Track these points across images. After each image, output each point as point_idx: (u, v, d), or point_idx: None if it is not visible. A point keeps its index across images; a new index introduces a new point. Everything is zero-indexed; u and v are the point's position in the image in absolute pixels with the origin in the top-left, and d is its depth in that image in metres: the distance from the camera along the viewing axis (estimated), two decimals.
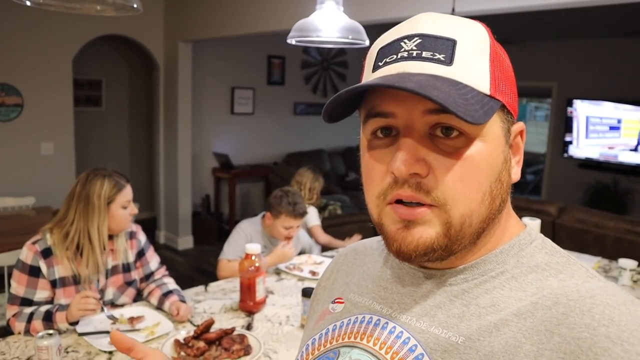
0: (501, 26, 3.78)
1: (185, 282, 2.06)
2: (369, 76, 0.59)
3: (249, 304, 1.98)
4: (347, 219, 4.88)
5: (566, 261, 0.58)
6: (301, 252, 2.84)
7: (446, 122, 0.54)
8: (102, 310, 1.85)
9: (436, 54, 0.55)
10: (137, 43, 5.05)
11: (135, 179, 5.91)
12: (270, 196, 2.66)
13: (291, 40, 1.89)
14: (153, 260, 2.12)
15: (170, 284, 2.08)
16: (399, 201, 0.56)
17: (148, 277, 2.09)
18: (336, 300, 0.71)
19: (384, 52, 0.58)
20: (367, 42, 1.88)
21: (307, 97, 6.94)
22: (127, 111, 6.09)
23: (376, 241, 0.77)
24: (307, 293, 1.87)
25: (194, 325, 1.85)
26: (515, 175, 0.61)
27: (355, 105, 0.61)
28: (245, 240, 2.55)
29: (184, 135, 5.21)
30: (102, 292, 1.95)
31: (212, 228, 5.62)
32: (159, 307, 1.96)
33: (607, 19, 4.86)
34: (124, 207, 1.91)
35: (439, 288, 0.60)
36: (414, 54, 0.55)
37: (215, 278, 2.50)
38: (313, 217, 3.31)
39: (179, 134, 5.17)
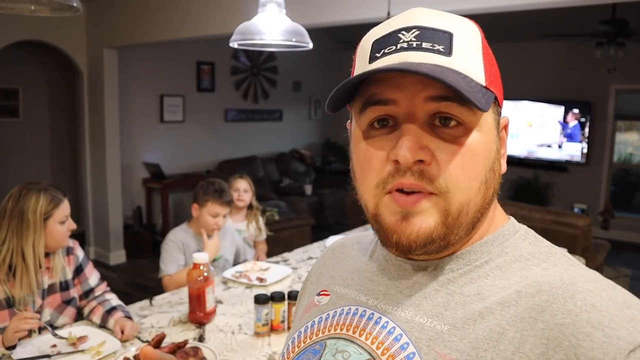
0: None
1: (120, 298, 1.96)
2: (365, 68, 0.59)
3: (199, 315, 1.92)
4: (286, 224, 4.86)
5: (549, 251, 0.60)
6: (237, 259, 2.78)
7: (446, 111, 0.55)
8: (39, 332, 1.73)
9: (435, 45, 0.55)
10: (57, 49, 4.79)
11: None
12: (196, 188, 2.61)
13: (233, 44, 1.86)
14: (92, 276, 2.01)
15: (113, 299, 1.98)
16: (398, 190, 0.56)
17: (88, 293, 1.98)
18: (321, 293, 0.71)
19: (380, 44, 0.58)
20: (311, 45, 1.88)
21: (237, 103, 6.86)
22: (48, 121, 5.75)
23: (364, 236, 0.78)
24: (259, 300, 1.83)
25: (143, 341, 1.77)
26: (503, 167, 0.63)
27: (350, 97, 0.60)
28: (178, 250, 2.49)
29: (112, 145, 5.00)
30: (38, 313, 1.82)
31: (145, 241, 5.42)
32: (103, 326, 1.86)
33: (522, 23, 5.15)
34: (61, 222, 1.81)
35: (424, 279, 0.61)
36: (414, 45, 0.56)
37: (153, 292, 2.41)
38: (264, 231, 3.23)
39: (106, 144, 4.95)
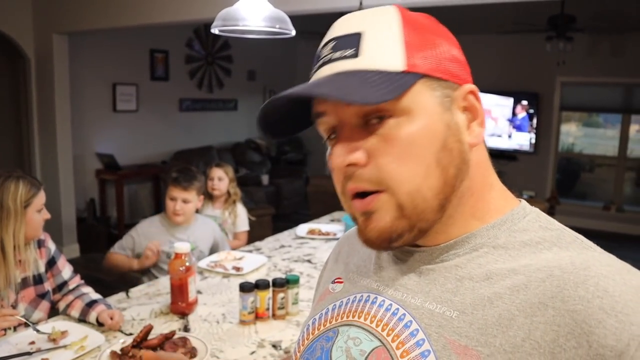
0: None
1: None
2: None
3: (181, 306, 1.89)
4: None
5: (560, 234, 0.59)
6: (216, 249, 2.75)
7: (370, 109, 0.56)
8: (14, 329, 1.65)
9: (345, 51, 0.58)
10: (0, 34, 4.53)
11: None
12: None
13: (215, 30, 1.83)
14: (65, 268, 1.94)
15: (92, 293, 1.92)
16: (358, 195, 0.58)
17: (61, 287, 1.91)
18: (336, 280, 0.73)
19: (313, 63, 0.63)
20: (293, 32, 1.87)
21: (192, 92, 6.73)
22: None
23: None
24: (245, 288, 1.83)
25: (125, 334, 1.73)
26: (477, 138, 0.60)
27: (306, 119, 0.64)
28: (131, 241, 2.50)
29: (63, 135, 4.80)
30: (13, 309, 1.74)
31: (100, 234, 5.25)
32: (82, 320, 1.80)
33: (475, 16, 5.29)
34: (38, 211, 1.74)
35: (432, 265, 0.61)
36: (327, 59, 0.59)
37: (111, 287, 2.37)
38: (243, 220, 3.18)
39: (57, 134, 4.74)
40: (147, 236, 2.48)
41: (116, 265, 2.48)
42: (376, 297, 0.63)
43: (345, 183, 0.58)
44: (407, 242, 0.59)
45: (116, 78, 5.70)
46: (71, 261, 5.06)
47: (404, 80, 0.56)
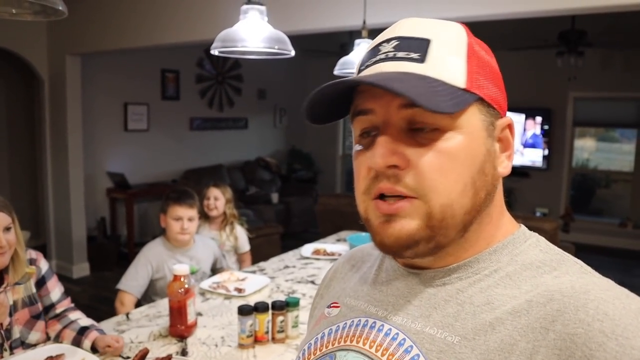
0: None
1: (85, 313, 1.87)
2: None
3: (180, 329, 1.87)
4: (254, 233, 4.81)
5: (560, 258, 0.59)
6: (215, 266, 2.73)
7: (419, 117, 0.56)
8: (11, 350, 1.64)
9: (411, 53, 0.58)
10: (15, 55, 4.61)
11: (18, 204, 5.38)
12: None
13: (214, 51, 1.83)
14: (55, 290, 1.88)
15: (82, 319, 1.87)
16: (382, 196, 0.58)
17: (48, 309, 1.84)
18: (332, 305, 0.72)
19: (367, 57, 0.62)
20: (293, 53, 1.87)
21: (203, 111, 6.78)
22: (6, 130, 5.52)
23: (373, 247, 0.77)
24: (243, 311, 1.80)
25: (123, 357, 1.71)
26: (505, 169, 0.62)
27: (346, 110, 0.64)
28: (145, 268, 2.42)
29: (74, 155, 4.84)
30: (7, 332, 1.73)
31: (110, 252, 5.27)
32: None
33: (486, 34, 5.27)
34: None
35: (433, 288, 0.61)
36: (390, 55, 0.59)
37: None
38: (244, 241, 3.18)
39: (69, 154, 4.79)
40: (158, 259, 2.46)
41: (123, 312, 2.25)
42: (375, 322, 0.62)
43: (374, 182, 0.58)
44: (420, 254, 0.59)
45: (128, 98, 5.77)
46: (81, 280, 5.06)
47: (465, 98, 0.57)
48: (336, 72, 2.59)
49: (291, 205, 6.99)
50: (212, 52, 1.84)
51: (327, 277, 0.81)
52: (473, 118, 0.58)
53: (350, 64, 2.56)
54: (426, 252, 0.59)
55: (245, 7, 1.85)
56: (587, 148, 7.32)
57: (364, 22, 2.50)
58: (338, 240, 3.41)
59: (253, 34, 1.77)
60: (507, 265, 0.59)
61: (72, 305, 1.93)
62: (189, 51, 6.34)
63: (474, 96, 0.58)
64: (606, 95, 6.37)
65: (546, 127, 6.57)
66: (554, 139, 6.60)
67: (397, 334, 0.59)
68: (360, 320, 0.64)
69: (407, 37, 0.59)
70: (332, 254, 2.97)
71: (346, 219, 4.71)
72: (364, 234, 3.07)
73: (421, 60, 0.57)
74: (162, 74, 6.17)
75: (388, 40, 0.60)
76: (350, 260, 0.79)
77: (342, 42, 6.03)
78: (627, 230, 6.51)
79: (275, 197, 6.98)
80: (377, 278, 0.69)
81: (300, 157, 8.26)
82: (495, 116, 0.61)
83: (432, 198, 0.56)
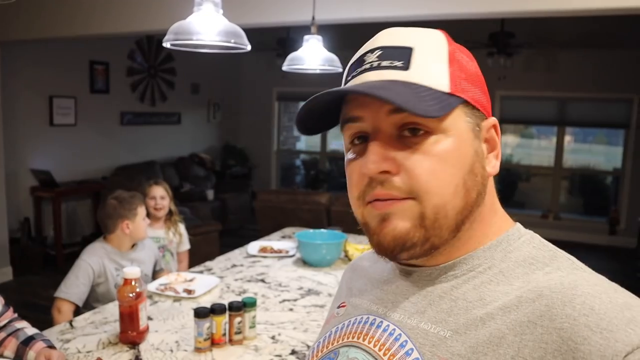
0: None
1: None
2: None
3: (131, 335, 1.78)
4: (192, 231, 4.68)
5: (553, 254, 0.61)
6: (154, 268, 2.65)
7: (411, 121, 0.58)
8: None
9: (394, 62, 0.60)
10: None
11: None
12: (107, 213, 2.41)
13: (166, 44, 1.75)
14: None
15: (28, 328, 1.74)
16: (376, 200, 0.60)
17: None
18: (340, 305, 0.76)
19: (352, 68, 0.65)
20: (249, 47, 1.82)
21: (134, 106, 6.53)
22: None
23: None
24: (200, 314, 1.74)
25: None
26: (494, 168, 0.64)
27: (335, 119, 0.66)
28: (86, 276, 2.28)
29: None
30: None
31: (35, 255, 4.97)
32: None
33: None
34: None
35: (429, 285, 0.63)
36: (375, 65, 0.61)
37: (50, 312, 2.20)
38: (186, 239, 3.09)
39: None
40: (100, 264, 2.33)
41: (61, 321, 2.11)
42: (375, 319, 0.65)
43: (368, 189, 0.60)
44: (416, 256, 0.61)
45: (53, 90, 5.44)
46: (3, 285, 4.72)
47: (450, 101, 0.59)
48: (285, 67, 2.56)
49: (227, 201, 6.88)
50: (164, 44, 1.76)
51: (341, 280, 0.85)
52: (459, 121, 0.60)
53: (299, 60, 2.53)
54: (421, 254, 0.61)
55: None
56: (509, 144, 7.72)
57: (313, 18, 2.49)
58: (283, 237, 3.39)
59: (208, 27, 1.71)
60: (500, 262, 0.61)
61: (16, 315, 1.79)
62: (120, 42, 6.07)
63: (459, 99, 0.60)
64: (530, 95, 6.73)
65: None
66: None
67: (394, 329, 0.62)
68: (362, 318, 0.67)
69: (390, 47, 0.61)
70: (280, 251, 2.94)
71: (287, 215, 4.69)
72: (311, 230, 3.07)
73: (405, 67, 0.59)
74: (90, 66, 5.86)
75: (372, 51, 0.62)
76: (359, 262, 0.83)
77: (279, 37, 6.00)
78: (548, 221, 6.93)
79: (210, 193, 6.85)
80: (380, 277, 0.72)
81: (235, 152, 8.15)
82: (481, 118, 0.63)
83: (425, 199, 0.58)
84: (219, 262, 2.80)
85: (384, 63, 0.60)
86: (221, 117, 8.10)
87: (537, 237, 0.65)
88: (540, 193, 7.58)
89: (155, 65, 6.76)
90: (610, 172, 7.29)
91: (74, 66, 5.66)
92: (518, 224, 0.67)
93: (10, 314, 1.77)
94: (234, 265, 2.74)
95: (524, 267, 0.59)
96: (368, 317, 0.67)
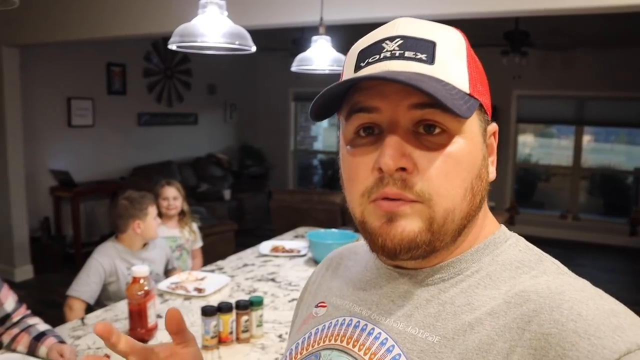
0: None
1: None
2: (350, 77, 0.59)
3: (140, 332, 1.81)
4: (208, 230, 4.74)
5: (538, 258, 0.60)
6: (167, 267, 2.68)
7: (430, 118, 0.56)
8: None
9: (418, 54, 0.56)
10: None
11: None
12: (119, 213, 2.45)
13: (172, 46, 1.78)
14: (8, 299, 1.79)
15: (40, 324, 1.79)
16: (383, 199, 0.57)
17: (3, 320, 1.74)
18: (319, 304, 0.72)
19: (365, 54, 0.59)
20: (254, 48, 1.84)
21: (151, 106, 6.60)
22: None
23: (359, 246, 0.77)
24: (207, 312, 1.76)
25: None
26: (492, 174, 0.63)
27: (338, 105, 0.61)
28: (98, 275, 2.32)
29: (14, 152, 4.61)
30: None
31: (55, 254, 5.06)
32: (31, 355, 1.69)
33: None
34: None
35: (416, 288, 0.61)
36: (397, 54, 0.56)
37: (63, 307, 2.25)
38: (199, 236, 3.15)
39: (8, 151, 4.56)
40: (111, 264, 2.37)
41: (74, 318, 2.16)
42: (359, 321, 0.63)
43: (377, 185, 0.56)
44: (416, 257, 0.58)
45: (71, 92, 5.53)
46: (25, 283, 4.83)
47: (472, 103, 0.57)
48: (294, 68, 2.57)
49: (244, 201, 6.92)
50: (169, 46, 1.78)
51: (314, 274, 0.81)
52: (474, 124, 0.59)
53: (307, 61, 2.54)
54: (421, 256, 0.58)
55: (203, 0, 1.80)
56: (528, 143, 7.62)
57: (322, 19, 2.50)
58: (296, 237, 3.40)
59: (213, 29, 1.72)
60: (488, 266, 0.60)
61: (29, 312, 1.83)
62: (136, 44, 6.15)
63: (477, 102, 0.58)
64: (547, 94, 6.64)
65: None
66: (500, 135, 6.80)
67: (380, 333, 0.60)
68: (344, 320, 0.65)
69: (412, 37, 0.57)
70: (291, 251, 2.95)
71: (302, 215, 4.70)
72: (322, 230, 3.07)
73: (430, 62, 0.56)
74: (107, 68, 5.95)
75: (391, 39, 0.58)
76: (338, 259, 0.78)
77: (293, 37, 6.01)
78: (567, 221, 6.83)
79: (227, 193, 6.89)
80: (362, 277, 0.69)
81: (252, 152, 8.19)
82: (487, 122, 0.62)
83: (437, 203, 0.56)
84: (231, 262, 2.82)
85: (408, 54, 0.56)
86: (238, 117, 8.15)
87: (522, 240, 0.64)
88: (560, 193, 7.48)
89: (172, 66, 6.83)
90: (631, 171, 7.16)
91: (91, 68, 5.76)
92: (502, 226, 0.66)
93: (23, 310, 1.82)
94: (245, 265, 2.76)
95: (510, 271, 0.59)
96: (351, 320, 0.64)
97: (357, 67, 0.59)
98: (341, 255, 0.79)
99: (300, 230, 3.56)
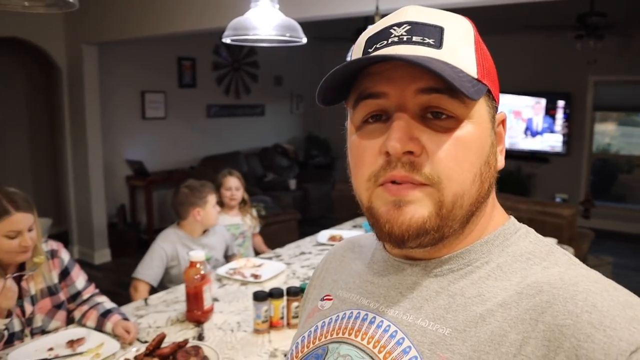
0: None
1: (108, 297, 1.93)
2: None
3: (196, 314, 1.90)
4: (272, 219, 4.85)
5: (549, 249, 0.59)
6: (227, 253, 2.78)
7: (436, 104, 0.56)
8: (32, 335, 1.69)
9: (426, 39, 0.56)
10: (33, 46, 4.67)
11: (40, 192, 5.50)
12: (180, 201, 2.56)
13: (226, 39, 1.84)
14: (79, 278, 1.95)
15: (106, 302, 1.93)
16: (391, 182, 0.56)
17: (75, 297, 1.92)
18: (325, 298, 0.71)
19: (373, 40, 0.59)
20: (305, 40, 1.86)
21: (219, 98, 6.81)
22: (27, 118, 5.60)
23: (365, 237, 0.77)
24: (258, 297, 1.82)
25: (141, 341, 1.75)
26: (500, 162, 0.62)
27: (346, 92, 0.61)
28: (160, 259, 2.43)
29: (93, 143, 4.91)
30: (29, 320, 1.78)
31: (130, 239, 5.35)
32: (99, 329, 1.82)
33: (503, 16, 5.19)
34: (8, 237, 1.66)
35: (424, 279, 0.61)
36: (405, 39, 0.57)
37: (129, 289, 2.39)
38: (257, 222, 3.29)
39: (88, 142, 4.86)
40: (173, 249, 2.49)
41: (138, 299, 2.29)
42: (367, 314, 0.62)
43: (384, 169, 0.56)
44: (424, 244, 0.57)
45: (145, 86, 5.82)
46: (103, 266, 5.14)
47: (480, 87, 0.57)
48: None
49: (309, 191, 7.01)
50: (223, 40, 1.85)
51: (319, 267, 0.81)
52: (482, 109, 0.58)
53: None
54: (429, 243, 0.58)
55: None
56: (608, 132, 7.19)
57: (377, 8, 2.48)
58: (354, 227, 3.42)
59: (264, 22, 1.77)
60: (497, 257, 0.59)
61: (97, 290, 1.99)
62: (205, 38, 6.35)
63: (485, 87, 0.58)
64: (627, 79, 6.23)
65: (565, 111, 6.46)
66: (574, 124, 6.49)
67: (389, 325, 0.59)
68: (352, 313, 0.64)
69: (420, 23, 0.57)
70: None
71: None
72: None
73: (437, 46, 0.56)
74: (178, 62, 6.20)
75: (399, 25, 0.58)
76: (342, 251, 0.78)
77: (357, 27, 5.98)
78: None
79: (292, 183, 7.01)
80: (368, 269, 0.69)
81: (317, 143, 8.26)
82: (495, 109, 0.61)
83: (447, 186, 0.55)
84: (289, 250, 2.89)
85: (415, 38, 0.56)
86: (304, 108, 8.24)
87: (532, 232, 0.63)
88: None
89: (239, 59, 7.00)
90: None
91: (163, 63, 6.02)
92: (512, 218, 0.65)
93: (92, 289, 1.98)
94: (302, 253, 2.81)
95: (521, 262, 0.58)
96: (359, 312, 0.63)
97: (365, 53, 0.59)
98: (345, 247, 0.79)
99: (359, 220, 3.58)
